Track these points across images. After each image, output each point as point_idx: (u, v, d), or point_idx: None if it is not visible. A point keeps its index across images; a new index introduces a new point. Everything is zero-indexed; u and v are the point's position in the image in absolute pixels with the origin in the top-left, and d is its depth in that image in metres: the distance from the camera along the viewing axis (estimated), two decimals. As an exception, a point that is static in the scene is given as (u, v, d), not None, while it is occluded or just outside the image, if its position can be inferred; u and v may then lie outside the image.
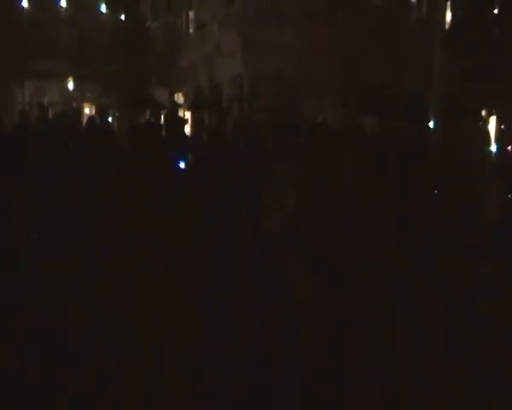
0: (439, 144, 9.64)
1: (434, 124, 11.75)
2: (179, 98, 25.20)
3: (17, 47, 25.19)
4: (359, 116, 12.23)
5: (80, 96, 29.23)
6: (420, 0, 16.37)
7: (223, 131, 10.50)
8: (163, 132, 10.17)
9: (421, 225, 6.50)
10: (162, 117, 13.17)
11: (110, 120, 16.83)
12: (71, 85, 29.78)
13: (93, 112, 27.55)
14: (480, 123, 11.84)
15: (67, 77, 29.28)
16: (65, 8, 30.86)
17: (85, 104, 29.08)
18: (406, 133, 9.45)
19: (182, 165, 8.04)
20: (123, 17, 30.95)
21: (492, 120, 13.66)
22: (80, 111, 24.75)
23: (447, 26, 14.51)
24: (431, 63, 13.80)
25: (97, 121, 10.33)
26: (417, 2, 16.55)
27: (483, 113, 13.21)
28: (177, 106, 17.94)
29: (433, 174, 7.85)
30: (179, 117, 13.08)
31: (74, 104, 26.94)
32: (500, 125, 13.65)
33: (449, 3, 14.63)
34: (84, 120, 14.57)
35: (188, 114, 21.97)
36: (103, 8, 31.15)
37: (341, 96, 15.75)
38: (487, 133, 10.63)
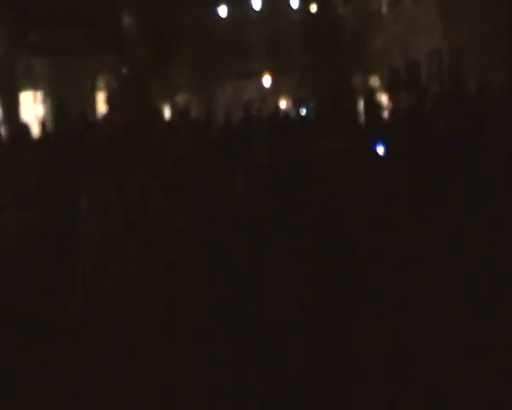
0: None
1: None
2: (375, 81, 24.58)
3: (218, 51, 26.54)
4: None
5: (276, 90, 30.00)
6: None
7: (422, 110, 9.85)
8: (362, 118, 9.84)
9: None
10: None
11: (305, 111, 16.85)
12: (267, 82, 30.67)
13: (289, 105, 28.09)
14: None
15: (263, 74, 30.23)
16: (258, 10, 31.92)
17: (282, 98, 29.79)
18: None
19: (380, 150, 7.62)
20: (314, 9, 31.12)
21: None
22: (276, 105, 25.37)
23: None
24: None
25: (292, 114, 10.29)
26: None
27: None
28: (373, 91, 17.42)
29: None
30: (377, 102, 12.61)
31: (270, 99, 27.67)
32: None
33: None
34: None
35: (384, 97, 21.30)
36: (294, 4, 31.62)
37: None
38: None
